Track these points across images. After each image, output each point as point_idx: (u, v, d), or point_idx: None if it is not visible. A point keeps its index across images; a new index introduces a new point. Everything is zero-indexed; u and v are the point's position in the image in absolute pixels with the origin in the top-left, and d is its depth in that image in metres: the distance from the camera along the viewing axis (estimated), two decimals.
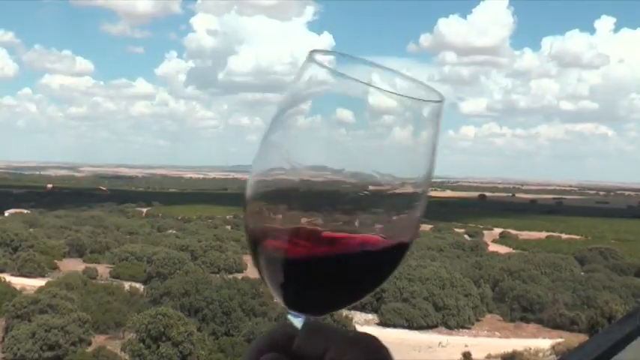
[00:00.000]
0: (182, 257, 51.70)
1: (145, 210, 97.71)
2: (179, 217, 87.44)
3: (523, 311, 47.51)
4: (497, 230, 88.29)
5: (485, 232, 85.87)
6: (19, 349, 35.21)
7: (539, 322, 45.13)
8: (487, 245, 72.34)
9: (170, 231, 71.39)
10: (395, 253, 0.57)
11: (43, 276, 48.99)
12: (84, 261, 56.14)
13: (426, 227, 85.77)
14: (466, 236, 78.57)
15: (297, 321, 0.60)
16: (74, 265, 53.39)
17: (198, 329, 35.64)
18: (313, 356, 0.59)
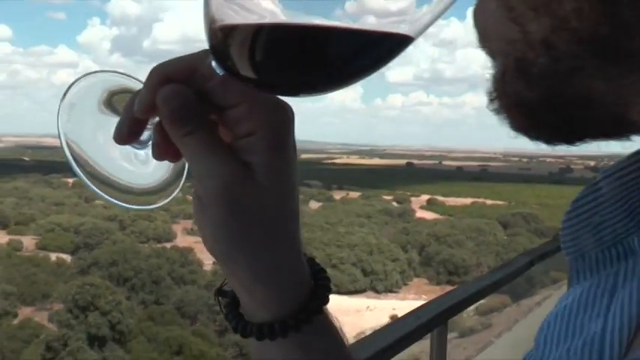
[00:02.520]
0: (110, 227, 51.16)
1: (71, 181, 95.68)
2: None
3: (449, 274, 49.00)
4: (425, 197, 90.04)
5: (412, 198, 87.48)
6: None
7: (465, 284, 46.60)
8: (414, 212, 73.97)
9: (98, 201, 70.33)
10: (394, 43, 0.51)
11: None
12: (7, 233, 54.91)
13: (354, 194, 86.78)
14: (394, 203, 79.96)
15: (219, 70, 0.56)
16: None
17: (127, 298, 35.56)
18: (221, 104, 0.58)
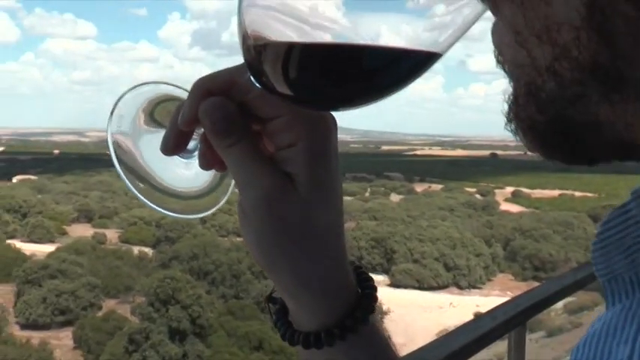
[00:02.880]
0: (190, 221, 52.15)
1: None
2: None
3: (535, 270, 47.85)
4: (509, 189, 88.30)
5: (496, 191, 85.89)
6: (30, 314, 35.93)
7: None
8: (499, 204, 72.51)
9: None
10: (422, 60, 0.54)
11: (52, 242, 49.67)
12: (92, 226, 56.79)
13: (436, 187, 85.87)
14: (477, 195, 78.66)
15: (258, 84, 0.57)
16: (83, 231, 54.05)
17: (207, 292, 36.17)
18: (262, 116, 0.60)
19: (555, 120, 0.42)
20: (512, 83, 0.44)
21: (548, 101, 0.41)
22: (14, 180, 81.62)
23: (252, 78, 0.57)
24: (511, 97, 0.44)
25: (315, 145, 0.59)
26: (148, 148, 0.64)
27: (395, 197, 75.03)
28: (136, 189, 0.62)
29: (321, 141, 0.59)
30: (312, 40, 0.51)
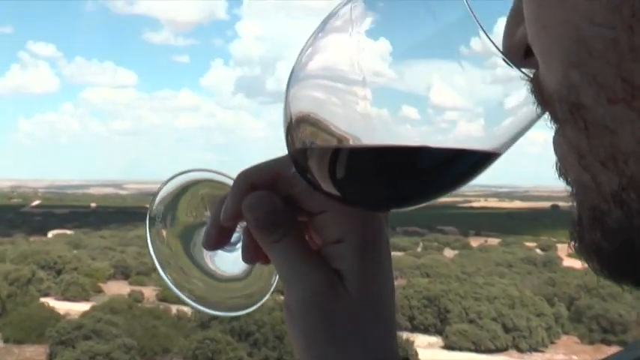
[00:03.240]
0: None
1: None
2: None
3: (603, 332, 46.49)
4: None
5: (559, 245, 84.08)
6: None
7: (622, 344, 44.10)
8: (561, 260, 70.98)
9: (219, 251, 72.01)
10: (479, 159, 0.55)
11: (87, 300, 50.06)
12: (129, 283, 57.12)
13: (493, 241, 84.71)
14: (538, 250, 77.20)
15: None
16: (119, 288, 54.40)
17: (249, 354, 35.92)
18: (308, 210, 0.60)
19: (624, 249, 0.40)
20: (575, 201, 0.43)
21: (614, 229, 0.40)
22: (49, 235, 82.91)
23: (297, 173, 0.57)
24: (575, 215, 0.43)
25: (364, 241, 0.59)
26: (189, 241, 0.64)
27: (449, 252, 74.11)
28: (177, 287, 0.62)
29: (372, 236, 0.59)
30: (358, 142, 0.51)
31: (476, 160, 0.54)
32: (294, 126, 0.54)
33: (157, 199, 0.63)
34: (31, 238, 76.49)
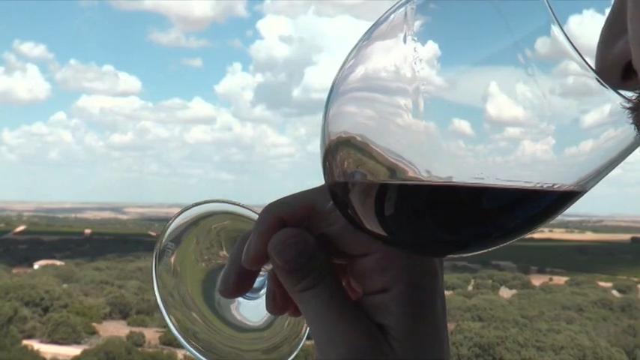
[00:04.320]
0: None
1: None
2: None
3: None
4: None
5: None
6: None
7: None
8: None
9: None
10: (555, 199, 0.53)
11: (78, 343, 50.30)
12: (128, 324, 57.34)
13: (559, 280, 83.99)
14: (614, 292, 76.37)
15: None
16: (116, 329, 54.59)
17: None
18: (348, 252, 0.59)
19: None
20: None
21: None
22: (36, 266, 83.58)
23: (335, 208, 0.56)
24: None
25: (415, 292, 0.57)
26: (202, 283, 0.63)
27: (506, 292, 73.54)
28: (183, 334, 0.61)
29: (424, 287, 0.58)
30: (409, 168, 0.51)
31: (552, 201, 0.53)
32: (334, 151, 0.53)
33: (167, 232, 0.62)
34: (14, 270, 77.20)
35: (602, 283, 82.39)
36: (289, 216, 0.59)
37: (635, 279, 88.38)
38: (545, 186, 0.51)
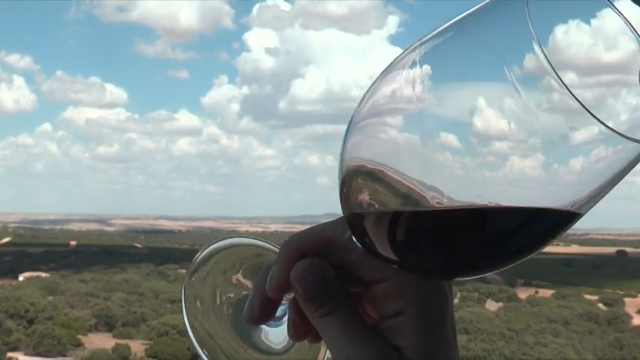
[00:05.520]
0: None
1: None
2: None
3: None
4: None
5: (626, 299, 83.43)
6: None
7: None
8: (630, 317, 70.32)
9: None
10: (555, 220, 0.56)
11: (64, 355, 50.02)
12: (114, 336, 57.03)
13: (545, 293, 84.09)
14: (601, 305, 76.45)
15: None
16: (102, 342, 54.30)
17: None
18: (364, 279, 0.63)
19: None
20: None
21: None
22: (20, 278, 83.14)
23: (353, 237, 0.60)
24: None
25: (427, 315, 0.60)
26: (230, 312, 0.67)
27: (492, 305, 73.60)
28: None
29: (435, 309, 0.61)
30: (419, 204, 0.53)
31: (554, 222, 0.55)
32: (348, 182, 0.56)
33: (195, 265, 0.66)
34: None
35: (588, 296, 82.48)
36: (308, 247, 0.63)
37: (621, 292, 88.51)
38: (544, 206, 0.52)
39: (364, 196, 0.56)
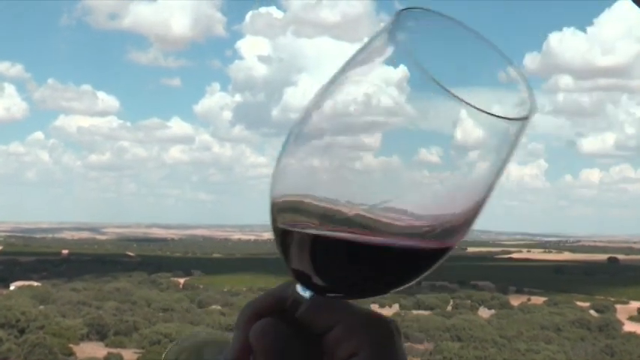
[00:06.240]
0: (228, 339, 51.84)
1: (182, 280, 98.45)
2: (225, 290, 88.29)
3: None
4: (635, 304, 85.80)
5: (617, 306, 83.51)
6: None
7: None
8: (621, 324, 70.38)
9: (214, 306, 71.76)
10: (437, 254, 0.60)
11: None
12: (106, 345, 56.83)
13: (538, 300, 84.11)
14: (592, 312, 76.55)
15: (306, 294, 0.65)
16: (94, 351, 54.14)
17: None
18: (316, 330, 0.66)
19: None
20: None
21: None
22: (12, 287, 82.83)
23: (298, 287, 0.65)
24: None
25: (377, 351, 0.65)
26: None
27: (484, 312, 73.62)
28: None
29: (384, 346, 0.65)
30: (331, 231, 0.57)
31: (425, 257, 0.61)
32: (274, 215, 0.62)
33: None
34: None
35: (579, 303, 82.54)
36: (263, 309, 0.67)
37: (613, 299, 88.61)
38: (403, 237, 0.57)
39: (286, 229, 0.61)
